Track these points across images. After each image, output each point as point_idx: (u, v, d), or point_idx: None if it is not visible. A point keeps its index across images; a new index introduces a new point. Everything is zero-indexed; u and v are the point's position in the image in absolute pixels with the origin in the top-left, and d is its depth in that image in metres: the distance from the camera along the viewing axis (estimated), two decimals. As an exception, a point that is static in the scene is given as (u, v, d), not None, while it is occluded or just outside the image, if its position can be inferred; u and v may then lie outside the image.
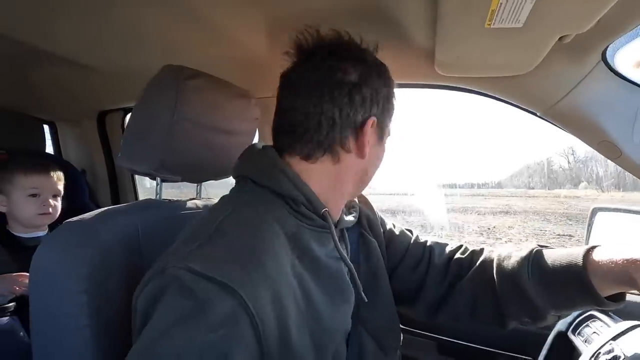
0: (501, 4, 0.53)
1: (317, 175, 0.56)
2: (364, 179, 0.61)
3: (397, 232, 0.77)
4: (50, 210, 1.18)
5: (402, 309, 0.74)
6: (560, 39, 0.64)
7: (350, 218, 0.65)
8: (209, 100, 0.72)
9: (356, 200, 0.71)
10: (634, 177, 0.81)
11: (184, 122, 0.73)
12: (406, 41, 0.81)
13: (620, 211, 1.06)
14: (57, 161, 1.59)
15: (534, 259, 0.62)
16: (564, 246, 0.63)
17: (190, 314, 0.38)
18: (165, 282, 0.41)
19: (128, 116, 1.63)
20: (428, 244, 0.75)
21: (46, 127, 1.66)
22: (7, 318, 0.97)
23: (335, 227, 0.58)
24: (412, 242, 0.75)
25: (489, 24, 0.59)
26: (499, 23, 0.58)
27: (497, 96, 0.86)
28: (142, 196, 1.77)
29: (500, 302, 0.64)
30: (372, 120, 0.56)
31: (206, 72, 0.76)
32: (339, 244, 0.55)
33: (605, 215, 1.12)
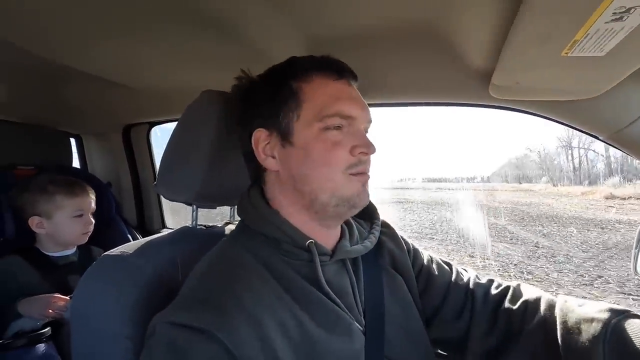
0: (589, 34, 0.48)
1: (278, 204, 0.59)
2: (301, 188, 0.56)
3: (435, 269, 0.71)
4: (91, 228, 1.20)
5: (452, 356, 0.70)
6: (642, 66, 0.58)
7: (358, 247, 0.60)
8: None
9: (375, 230, 0.66)
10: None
11: (222, 150, 0.70)
12: (461, 63, 0.77)
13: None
14: (83, 175, 1.59)
15: (612, 338, 0.50)
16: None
17: None
18: (154, 340, 0.44)
19: (153, 129, 1.62)
20: (470, 285, 0.68)
21: (72, 141, 1.65)
22: (43, 345, 0.96)
23: (331, 257, 0.57)
24: (452, 281, 0.69)
25: (567, 53, 0.54)
26: (579, 52, 0.53)
27: (555, 119, 0.81)
28: (165, 205, 1.76)
29: None
30: (257, 132, 0.58)
31: None
32: (321, 276, 0.53)
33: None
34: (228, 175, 0.73)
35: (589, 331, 0.52)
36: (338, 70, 0.57)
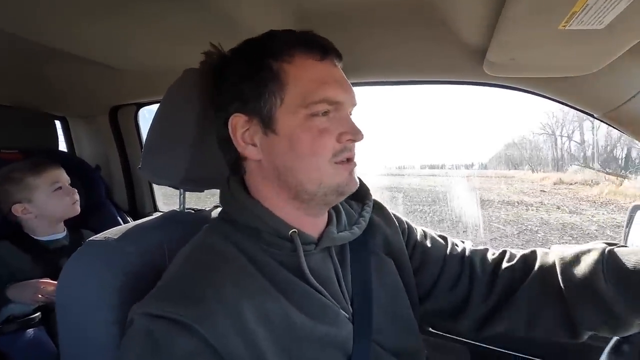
0: (587, 5, 0.46)
1: (260, 194, 0.56)
2: (286, 179, 0.53)
3: (429, 244, 0.69)
4: (77, 196, 1.19)
5: (444, 326, 0.70)
6: (641, 40, 0.56)
7: (345, 234, 0.58)
8: None
9: (366, 213, 0.64)
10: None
11: (207, 131, 0.68)
12: (454, 40, 0.75)
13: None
14: (70, 158, 1.56)
15: (609, 260, 0.55)
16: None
17: (150, 356, 0.40)
18: (131, 331, 0.43)
19: (141, 111, 1.57)
20: (467, 253, 0.68)
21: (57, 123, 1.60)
22: (33, 329, 0.96)
23: (316, 245, 0.55)
24: (447, 253, 0.68)
25: (564, 26, 0.52)
26: (577, 25, 0.51)
27: (550, 97, 0.79)
28: (157, 188, 1.74)
29: (571, 310, 0.57)
30: (234, 118, 0.53)
31: None
32: (305, 267, 0.51)
33: (646, 213, 1.05)
34: (214, 157, 0.70)
35: (588, 258, 0.56)
36: (322, 49, 0.53)
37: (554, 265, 0.60)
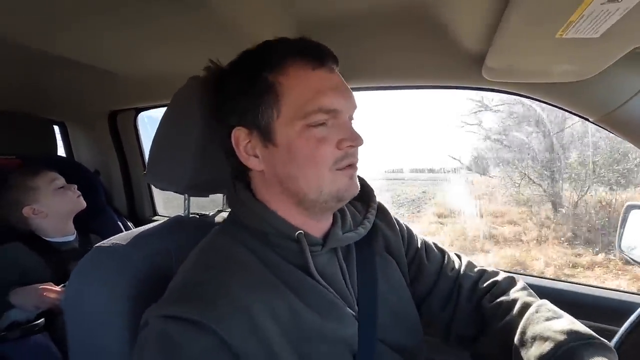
0: (583, 15, 0.48)
1: (265, 199, 0.57)
2: (288, 187, 0.54)
3: (427, 256, 0.71)
4: (77, 191, 1.24)
5: (436, 338, 0.71)
6: (634, 48, 0.58)
7: (350, 235, 0.59)
8: None
9: (371, 215, 0.65)
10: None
11: (212, 138, 0.69)
12: (453, 46, 0.76)
13: (655, 209, 1.02)
14: (69, 163, 1.56)
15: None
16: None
17: (169, 356, 0.41)
18: (147, 333, 0.44)
19: (140, 115, 1.58)
20: (459, 277, 0.69)
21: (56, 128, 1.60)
22: (38, 335, 0.96)
23: (323, 246, 0.56)
24: (442, 271, 0.69)
25: (561, 34, 0.53)
26: (574, 34, 0.53)
27: (547, 101, 0.81)
28: (156, 191, 1.74)
29: None
30: (236, 131, 0.54)
31: None
32: (312, 266, 0.53)
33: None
34: (219, 163, 0.71)
35: (538, 349, 0.50)
36: (317, 56, 0.52)
37: (515, 333, 0.55)
